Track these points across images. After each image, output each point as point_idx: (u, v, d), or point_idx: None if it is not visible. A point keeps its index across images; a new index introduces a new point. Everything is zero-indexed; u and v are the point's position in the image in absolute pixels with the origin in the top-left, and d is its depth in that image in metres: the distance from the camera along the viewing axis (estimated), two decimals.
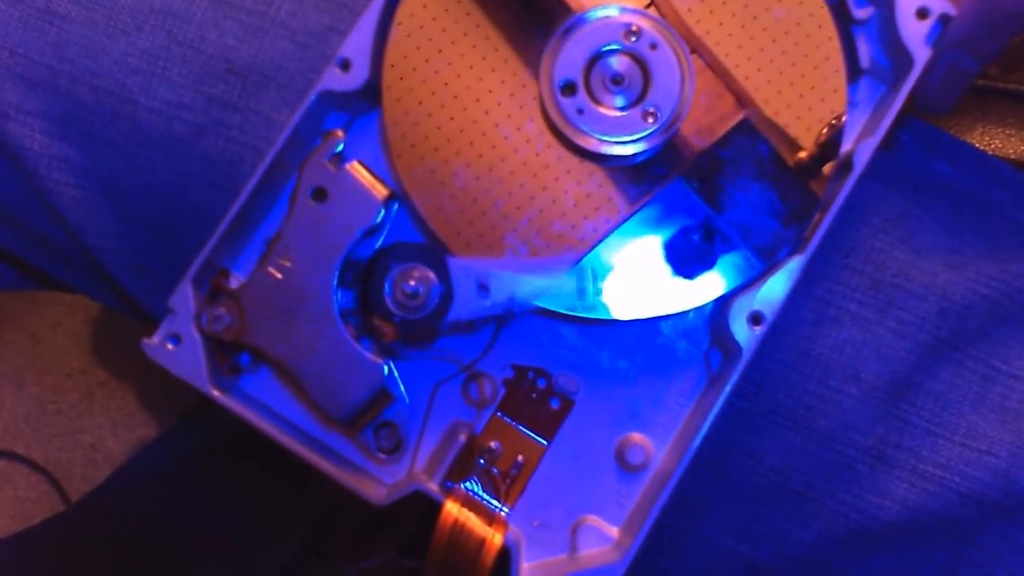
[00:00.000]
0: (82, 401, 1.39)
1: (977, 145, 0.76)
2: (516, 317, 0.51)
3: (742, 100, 0.51)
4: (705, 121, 0.50)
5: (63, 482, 1.35)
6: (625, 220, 0.50)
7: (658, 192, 0.50)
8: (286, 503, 1.03)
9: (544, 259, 0.50)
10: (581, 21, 0.49)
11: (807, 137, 0.51)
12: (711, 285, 0.50)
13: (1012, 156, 0.77)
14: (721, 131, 0.50)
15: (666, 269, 0.50)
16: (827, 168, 0.50)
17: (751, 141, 0.50)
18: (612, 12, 0.49)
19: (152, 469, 1.08)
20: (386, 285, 0.49)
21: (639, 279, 0.50)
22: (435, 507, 0.50)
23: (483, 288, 0.50)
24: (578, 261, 0.50)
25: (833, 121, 0.50)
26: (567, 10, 0.50)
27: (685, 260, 0.50)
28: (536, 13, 0.51)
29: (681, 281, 0.50)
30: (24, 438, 1.36)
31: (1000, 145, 0.78)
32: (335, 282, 0.49)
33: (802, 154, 0.50)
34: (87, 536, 0.96)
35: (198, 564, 0.94)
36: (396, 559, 0.72)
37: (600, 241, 0.50)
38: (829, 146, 0.50)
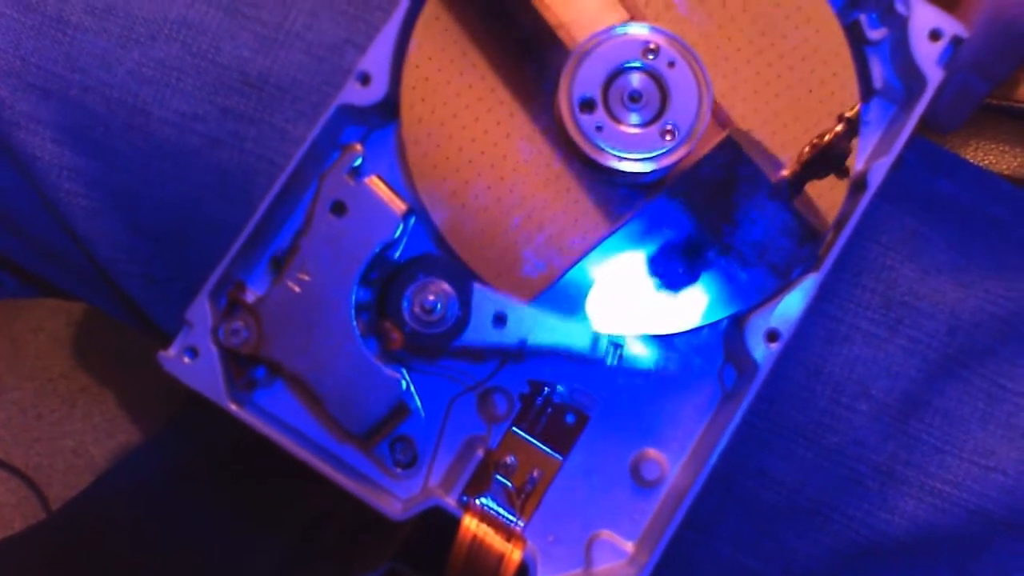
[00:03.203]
0: (63, 406, 1.38)
1: (971, 161, 0.77)
2: (523, 357, 0.52)
3: (722, 120, 0.51)
4: None
5: (44, 488, 1.34)
6: (610, 234, 0.51)
7: (642, 209, 0.51)
8: (271, 510, 1.02)
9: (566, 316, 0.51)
10: (600, 39, 0.49)
11: (804, 139, 0.51)
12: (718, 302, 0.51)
13: (1005, 171, 0.78)
14: (703, 150, 0.50)
15: (650, 284, 0.51)
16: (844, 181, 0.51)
17: (734, 159, 0.50)
18: (631, 30, 0.49)
19: (136, 477, 1.08)
20: (407, 293, 0.49)
21: (647, 299, 0.51)
22: (440, 519, 0.50)
23: (500, 320, 0.50)
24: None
25: (815, 140, 0.51)
26: (560, 47, 0.50)
27: (668, 275, 0.50)
28: (532, 51, 0.51)
29: (666, 296, 0.51)
30: (4, 443, 1.35)
31: (994, 161, 0.78)
32: (353, 296, 0.49)
33: (785, 172, 0.51)
34: (71, 544, 0.96)
35: (183, 572, 0.94)
36: (400, 569, 0.72)
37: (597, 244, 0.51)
38: (811, 165, 0.51)
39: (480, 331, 0.50)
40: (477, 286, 0.50)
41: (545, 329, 0.50)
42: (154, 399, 1.35)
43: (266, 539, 1.00)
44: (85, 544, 0.96)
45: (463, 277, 0.50)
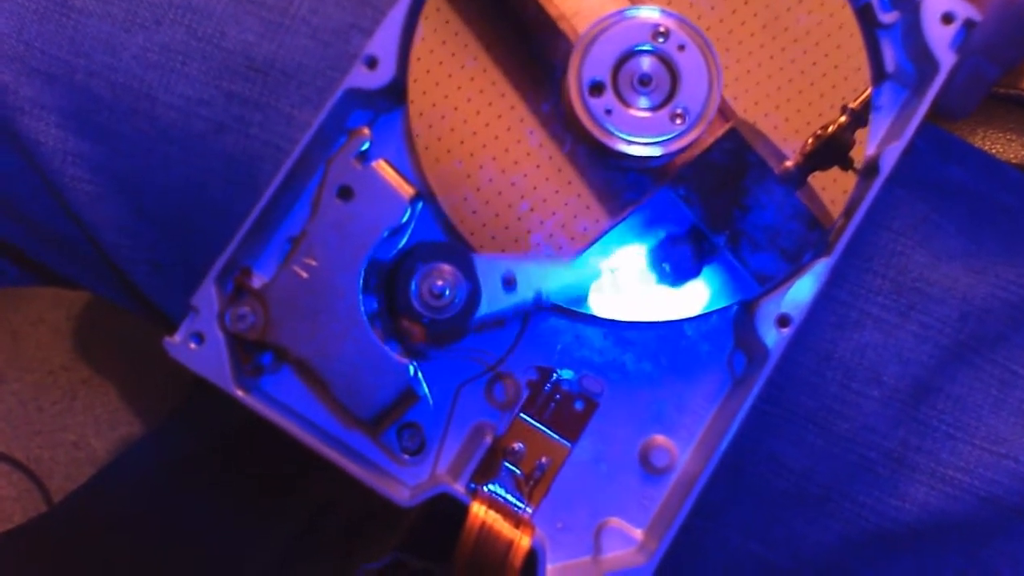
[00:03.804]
0: (64, 399, 1.37)
1: None
2: (544, 310, 0.51)
3: (724, 111, 0.51)
4: None
5: (45, 481, 1.34)
6: (619, 222, 0.50)
7: (645, 201, 0.50)
8: (274, 501, 1.02)
9: (568, 252, 0.50)
10: (610, 21, 0.49)
11: (806, 131, 0.51)
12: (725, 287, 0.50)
13: (1013, 161, 0.77)
14: (706, 142, 0.50)
15: (652, 276, 0.50)
16: (859, 174, 0.51)
17: (739, 150, 0.50)
18: (641, 12, 0.49)
19: (137, 469, 1.07)
20: (412, 286, 0.49)
21: (657, 285, 0.51)
22: (445, 508, 0.50)
23: (509, 282, 0.49)
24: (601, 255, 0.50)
25: (819, 131, 0.50)
26: (563, 39, 0.50)
27: (671, 268, 0.50)
28: (533, 41, 0.51)
29: (668, 288, 0.50)
30: (5, 436, 1.35)
31: (1001, 150, 0.78)
32: (361, 281, 0.49)
33: (788, 163, 0.50)
34: (72, 536, 0.96)
35: (185, 564, 0.94)
36: (405, 559, 0.71)
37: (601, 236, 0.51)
38: (815, 156, 0.50)
39: (494, 298, 0.49)
40: (478, 257, 0.49)
41: (554, 274, 0.50)
42: (156, 391, 1.34)
43: (269, 530, 1.00)
44: (86, 537, 0.95)
45: (461, 253, 0.49)
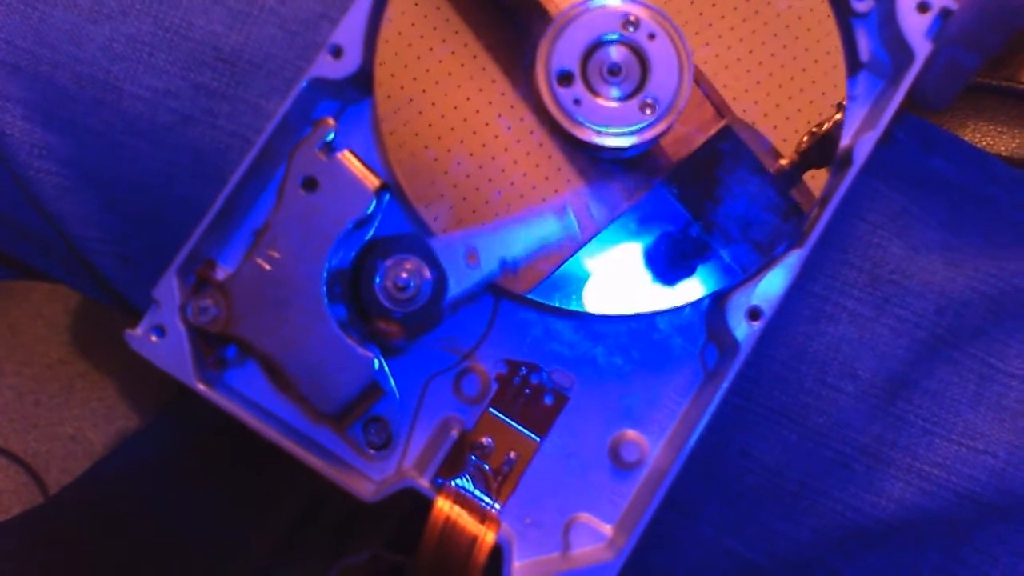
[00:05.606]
0: (61, 392, 1.37)
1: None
2: (514, 272, 0.50)
3: (721, 109, 0.50)
4: (683, 130, 0.49)
5: (42, 474, 1.34)
6: (613, 221, 0.50)
7: (639, 199, 0.50)
8: (267, 496, 1.02)
9: (525, 213, 0.49)
10: (579, 10, 0.48)
11: (805, 129, 0.50)
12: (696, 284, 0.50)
13: (1003, 153, 0.76)
14: (700, 140, 0.49)
15: (647, 275, 0.50)
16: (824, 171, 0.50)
17: (732, 148, 0.49)
18: (611, 1, 0.48)
19: (133, 462, 1.07)
20: (377, 285, 0.48)
21: (630, 277, 0.50)
22: (423, 503, 0.49)
23: (472, 257, 0.49)
24: (563, 210, 0.49)
25: (814, 129, 0.50)
26: (544, 15, 0.49)
27: (665, 266, 0.49)
28: (515, 18, 0.50)
29: (662, 286, 0.50)
30: (2, 430, 1.35)
31: (991, 142, 0.77)
32: (325, 273, 0.48)
33: (783, 161, 0.50)
34: (67, 528, 0.95)
35: (179, 556, 0.94)
36: (383, 554, 0.71)
37: (594, 236, 0.50)
38: (810, 153, 0.50)
39: (461, 277, 0.49)
40: (435, 239, 0.49)
41: (516, 240, 0.49)
42: (152, 385, 1.34)
43: (261, 524, 1.00)
44: (82, 529, 0.95)
45: (418, 241, 0.48)
